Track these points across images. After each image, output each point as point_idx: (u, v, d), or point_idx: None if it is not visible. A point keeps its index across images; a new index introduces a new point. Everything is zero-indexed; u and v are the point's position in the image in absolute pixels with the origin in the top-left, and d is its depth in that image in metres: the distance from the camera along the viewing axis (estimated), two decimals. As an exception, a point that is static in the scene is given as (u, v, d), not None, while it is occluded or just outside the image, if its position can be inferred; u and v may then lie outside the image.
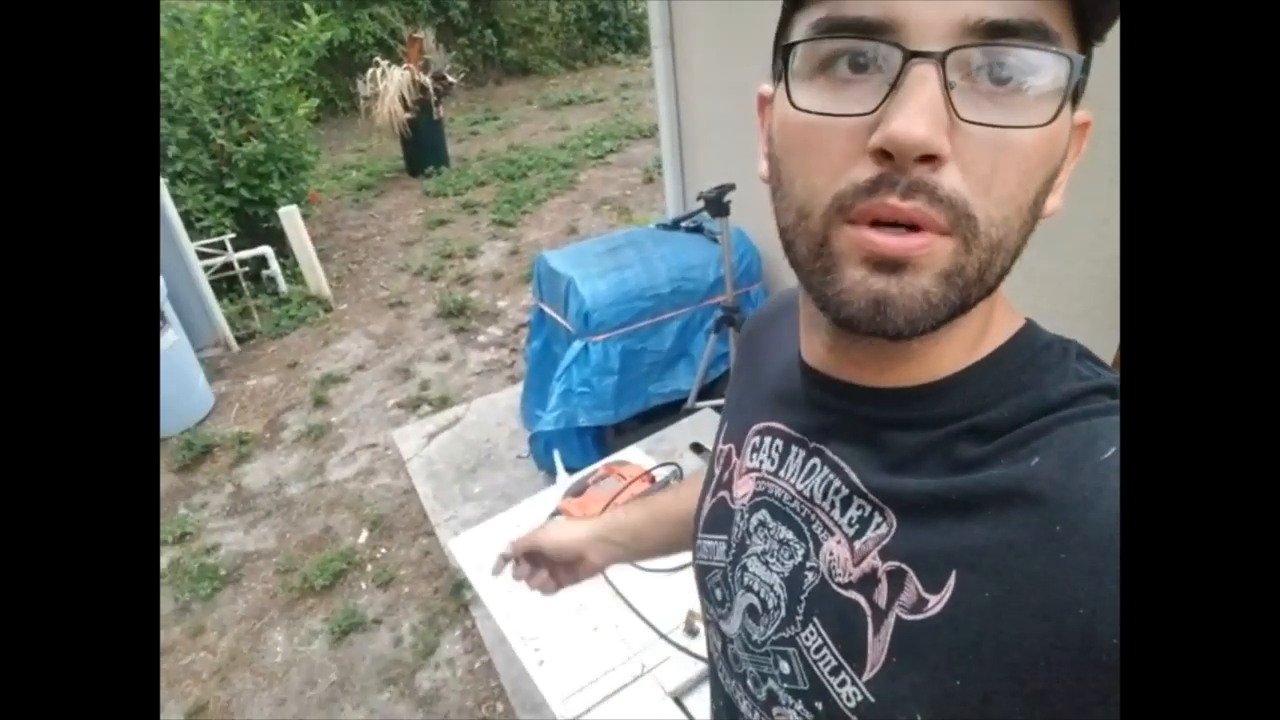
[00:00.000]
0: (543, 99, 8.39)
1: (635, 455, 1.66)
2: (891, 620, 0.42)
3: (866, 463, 0.45)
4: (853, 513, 0.45)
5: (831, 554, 0.46)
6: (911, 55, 0.34)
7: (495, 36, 9.07)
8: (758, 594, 0.52)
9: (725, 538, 0.57)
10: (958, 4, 0.34)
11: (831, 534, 0.46)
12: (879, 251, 0.36)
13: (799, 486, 0.50)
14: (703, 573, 0.60)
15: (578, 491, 1.51)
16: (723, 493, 0.58)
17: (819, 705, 0.46)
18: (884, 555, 0.43)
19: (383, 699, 2.05)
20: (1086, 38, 0.37)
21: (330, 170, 6.52)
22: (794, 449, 0.51)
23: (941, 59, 0.34)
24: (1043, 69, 0.35)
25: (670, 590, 1.31)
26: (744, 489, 0.55)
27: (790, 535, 0.50)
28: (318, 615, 2.33)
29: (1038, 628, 0.35)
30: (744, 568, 0.54)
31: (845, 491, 0.46)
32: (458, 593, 2.33)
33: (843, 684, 0.44)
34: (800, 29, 0.39)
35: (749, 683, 0.54)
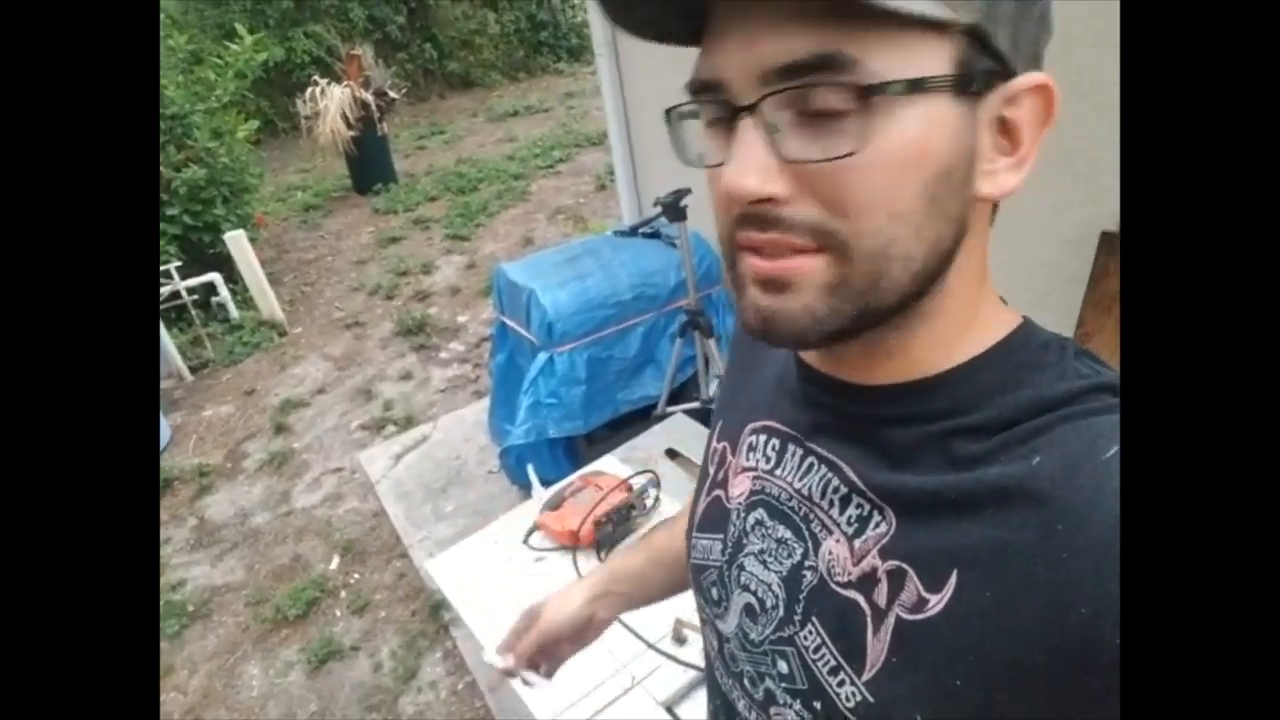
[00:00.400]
0: (488, 111, 8.34)
1: (610, 465, 1.66)
2: (891, 620, 0.42)
3: (864, 460, 0.46)
4: (851, 511, 0.46)
5: (831, 553, 0.46)
6: (736, 110, 0.38)
7: (435, 50, 8.98)
8: (755, 593, 0.52)
9: (721, 537, 0.57)
10: (755, 54, 0.36)
11: (830, 533, 0.47)
12: (762, 273, 0.40)
13: (797, 485, 0.50)
14: (698, 572, 0.59)
15: (555, 505, 1.51)
16: (718, 491, 0.58)
17: (817, 705, 0.47)
18: (884, 554, 0.43)
19: (366, 728, 2.02)
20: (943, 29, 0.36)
21: (275, 192, 6.39)
22: (791, 447, 0.51)
23: (753, 109, 0.37)
24: (848, 96, 0.35)
25: (655, 597, 1.32)
26: (740, 488, 0.55)
27: (788, 534, 0.50)
28: (293, 646, 2.29)
29: (1039, 628, 0.36)
30: (741, 567, 0.54)
31: (844, 490, 0.46)
32: (436, 614, 2.30)
33: (841, 684, 0.45)
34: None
35: (746, 682, 0.54)
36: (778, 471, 0.52)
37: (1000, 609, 0.38)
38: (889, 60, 0.36)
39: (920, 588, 0.41)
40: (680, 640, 1.23)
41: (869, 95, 0.35)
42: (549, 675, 0.83)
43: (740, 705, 0.56)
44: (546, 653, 0.83)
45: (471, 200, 5.73)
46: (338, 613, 2.39)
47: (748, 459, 0.55)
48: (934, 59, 0.36)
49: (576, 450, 2.58)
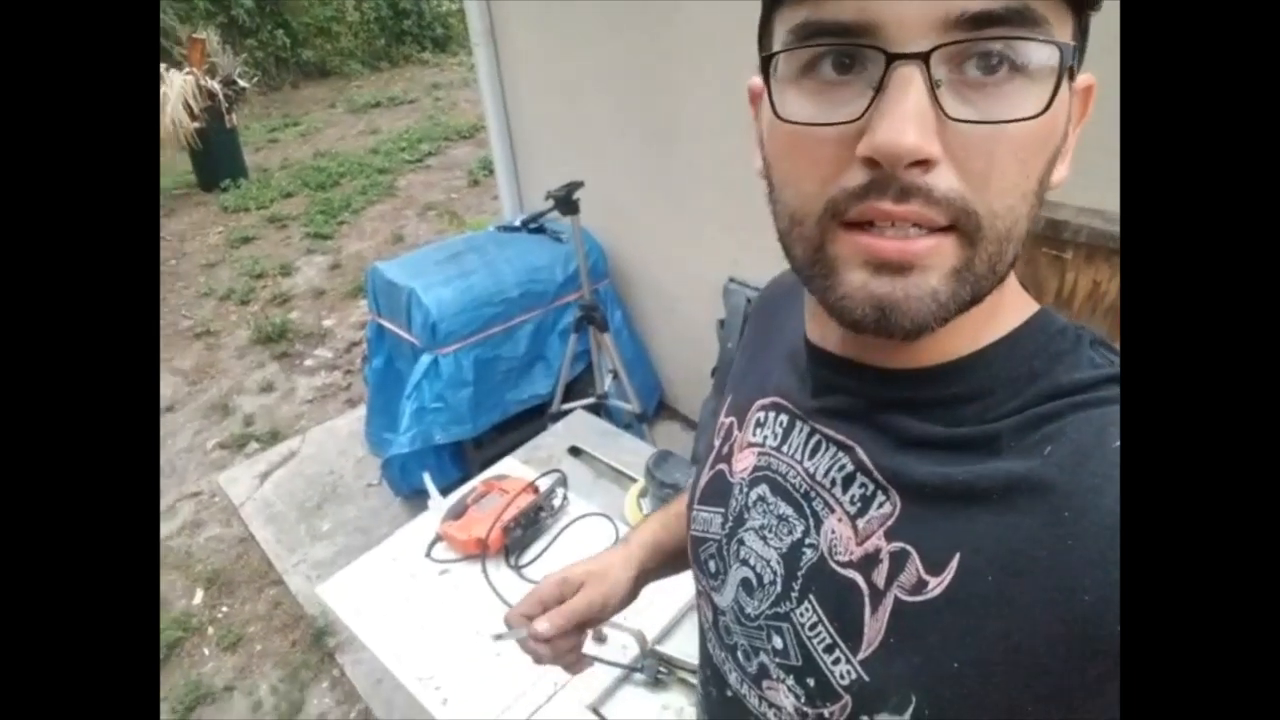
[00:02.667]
0: (348, 102, 7.88)
1: (512, 467, 1.59)
2: (890, 600, 0.42)
3: (874, 442, 0.45)
4: (855, 491, 0.45)
5: (833, 532, 0.46)
6: (894, 58, 0.34)
7: (288, 37, 8.37)
8: (753, 568, 0.51)
9: (722, 510, 0.56)
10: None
11: (832, 511, 0.46)
12: (880, 255, 0.36)
13: (805, 465, 0.49)
14: (697, 544, 0.59)
15: (457, 513, 1.42)
16: (721, 465, 0.58)
17: (810, 682, 0.46)
18: (889, 536, 0.42)
19: (245, 774, 1.84)
20: (1081, 7, 0.37)
21: (102, 188, 5.75)
22: (798, 425, 0.51)
23: (925, 59, 0.33)
24: (1032, 56, 0.34)
25: (571, 602, 1.27)
26: (744, 463, 0.55)
27: (790, 511, 0.49)
28: (152, 694, 2.04)
29: (1041, 613, 0.36)
30: (740, 541, 0.53)
31: (850, 469, 0.46)
32: (319, 641, 2.13)
33: (836, 662, 0.44)
34: (780, 33, 0.38)
35: (739, 655, 0.54)
36: (783, 449, 0.51)
37: (1002, 593, 0.37)
38: (1060, 28, 0.34)
39: (921, 570, 0.41)
40: (600, 639, 1.19)
41: (1065, 57, 0.34)
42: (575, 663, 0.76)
43: (732, 678, 0.55)
44: (581, 630, 0.76)
45: (333, 196, 5.38)
46: (206, 651, 2.16)
47: (755, 435, 0.54)
48: (1069, 34, 0.35)
49: (464, 455, 2.48)
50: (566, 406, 2.29)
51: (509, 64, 2.80)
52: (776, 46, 0.38)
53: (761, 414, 0.55)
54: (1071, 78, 0.37)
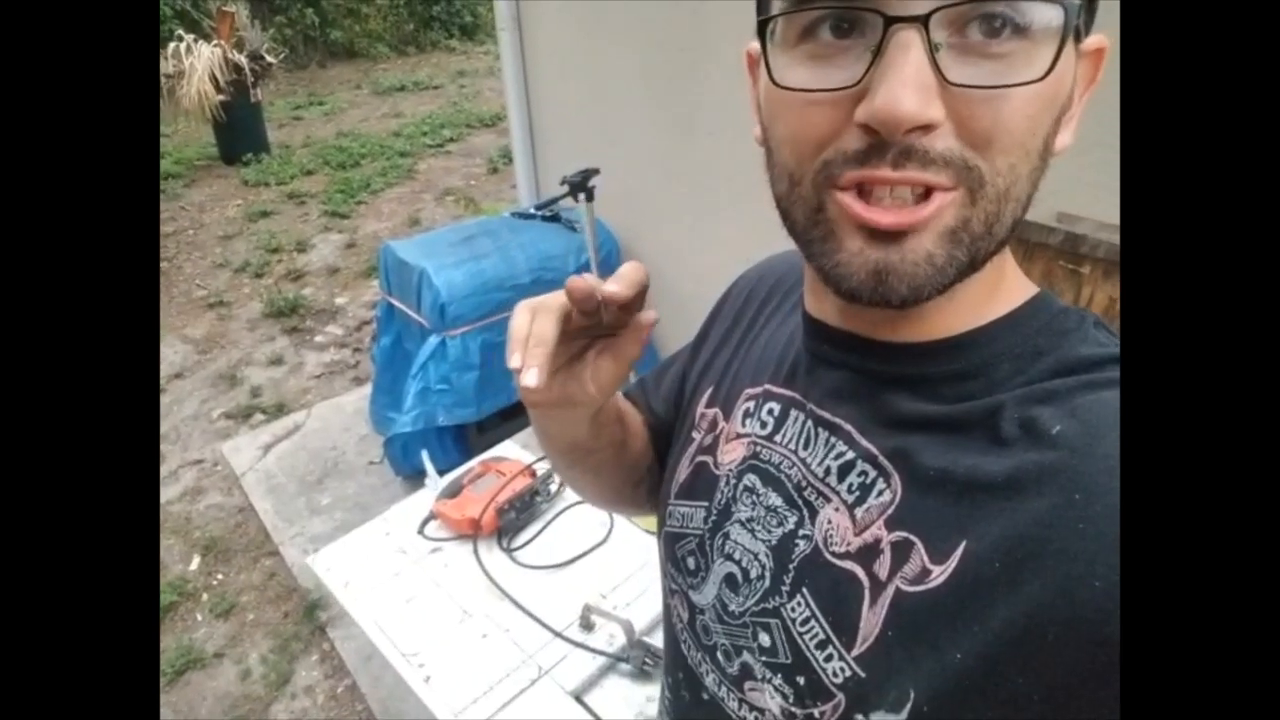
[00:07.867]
0: (373, 84, 7.90)
1: (511, 450, 1.59)
2: (890, 592, 0.40)
3: (876, 424, 0.43)
4: (853, 479, 0.43)
5: (829, 522, 0.44)
6: (891, 20, 0.33)
7: (317, 16, 8.42)
8: (739, 563, 0.49)
9: (705, 504, 0.54)
10: None
11: (828, 500, 0.44)
12: (875, 226, 0.35)
13: (801, 454, 0.47)
14: (673, 541, 0.56)
15: (452, 493, 1.42)
16: (704, 458, 0.55)
17: (800, 680, 0.44)
18: (890, 525, 0.41)
19: (230, 741, 1.84)
20: None
21: (126, 156, 5.79)
22: (793, 412, 0.49)
23: (924, 21, 0.32)
24: (1035, 17, 0.33)
25: (561, 587, 1.27)
26: (732, 454, 0.52)
27: (779, 502, 0.47)
28: (143, 656, 2.05)
29: (1051, 598, 0.34)
30: (725, 535, 0.51)
31: (849, 455, 0.44)
32: (311, 614, 2.13)
33: (829, 658, 0.42)
34: None
35: (719, 655, 0.51)
36: (776, 438, 0.49)
37: (1010, 579, 0.35)
38: None
39: (925, 559, 0.39)
40: (588, 627, 1.18)
41: (1070, 16, 0.33)
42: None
43: (709, 680, 0.53)
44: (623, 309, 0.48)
45: (353, 176, 5.40)
46: (199, 617, 2.17)
47: (744, 425, 0.52)
48: None
49: (467, 439, 2.48)
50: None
51: (533, 50, 2.79)
52: (774, 10, 0.37)
53: (750, 403, 0.53)
54: (1079, 39, 0.36)
